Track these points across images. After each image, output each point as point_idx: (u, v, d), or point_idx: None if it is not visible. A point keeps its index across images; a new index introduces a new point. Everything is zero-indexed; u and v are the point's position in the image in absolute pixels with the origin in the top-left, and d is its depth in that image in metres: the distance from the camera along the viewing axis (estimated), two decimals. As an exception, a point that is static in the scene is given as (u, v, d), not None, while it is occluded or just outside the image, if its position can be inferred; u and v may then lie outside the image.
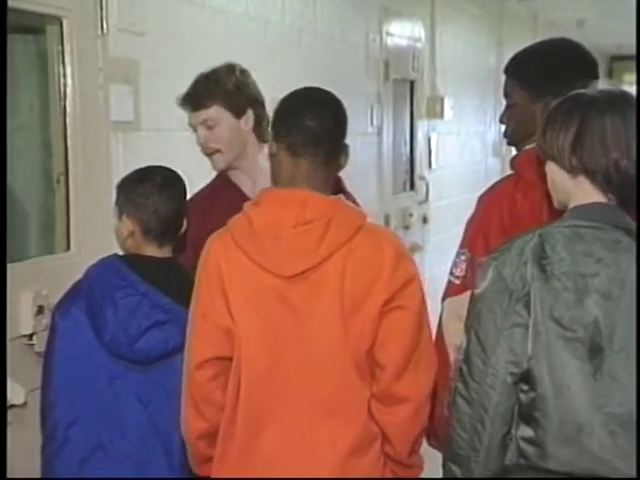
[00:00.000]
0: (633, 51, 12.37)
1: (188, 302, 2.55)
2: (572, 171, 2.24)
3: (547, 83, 2.68)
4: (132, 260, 2.71)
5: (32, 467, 2.97)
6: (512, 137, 2.88)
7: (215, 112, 3.13)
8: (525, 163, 2.63)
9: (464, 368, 2.19)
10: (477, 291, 2.22)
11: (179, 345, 2.57)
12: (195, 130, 3.17)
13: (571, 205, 2.25)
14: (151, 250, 2.72)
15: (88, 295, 2.67)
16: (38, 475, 2.79)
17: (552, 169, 2.30)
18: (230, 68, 3.20)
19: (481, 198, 2.81)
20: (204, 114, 3.14)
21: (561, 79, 2.58)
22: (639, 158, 2.20)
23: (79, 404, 2.65)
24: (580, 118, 2.23)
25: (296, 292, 2.37)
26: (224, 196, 3.15)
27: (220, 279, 2.40)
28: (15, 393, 2.95)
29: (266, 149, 3.28)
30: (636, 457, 2.12)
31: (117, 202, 2.79)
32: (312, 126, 2.43)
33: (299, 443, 2.38)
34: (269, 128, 2.57)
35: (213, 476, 2.46)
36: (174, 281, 2.68)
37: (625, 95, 2.31)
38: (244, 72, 3.23)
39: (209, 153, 3.19)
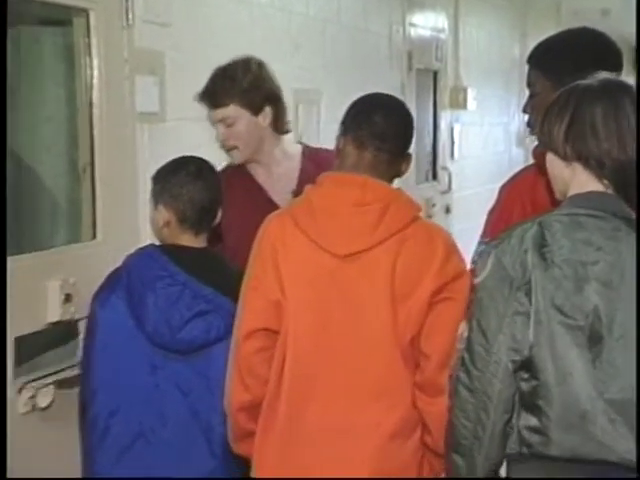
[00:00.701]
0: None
1: (229, 292, 2.59)
2: (567, 159, 2.25)
3: (570, 73, 2.67)
4: (170, 250, 2.73)
5: (65, 454, 3.03)
6: (535, 126, 2.88)
7: (233, 111, 3.17)
8: (542, 153, 2.63)
9: (466, 356, 2.20)
10: (477, 280, 2.23)
11: (221, 335, 2.60)
12: (213, 125, 3.22)
13: (569, 194, 2.27)
14: (187, 239, 2.74)
15: (127, 285, 2.70)
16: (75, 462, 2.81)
17: (550, 159, 2.32)
18: (246, 63, 3.23)
19: (502, 188, 2.82)
20: (222, 112, 3.18)
21: (583, 69, 2.58)
22: (639, 148, 2.20)
23: (120, 393, 2.68)
24: (573, 107, 2.25)
25: (348, 272, 2.41)
26: (238, 184, 3.18)
27: (274, 255, 2.45)
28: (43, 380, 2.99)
29: (283, 140, 3.32)
30: (636, 454, 2.14)
31: (153, 192, 2.82)
32: (380, 122, 2.50)
33: (343, 423, 2.41)
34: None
35: (255, 451, 2.48)
36: (214, 271, 2.71)
37: (621, 84, 2.31)
38: (261, 66, 3.25)
39: (228, 149, 3.23)
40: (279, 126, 3.27)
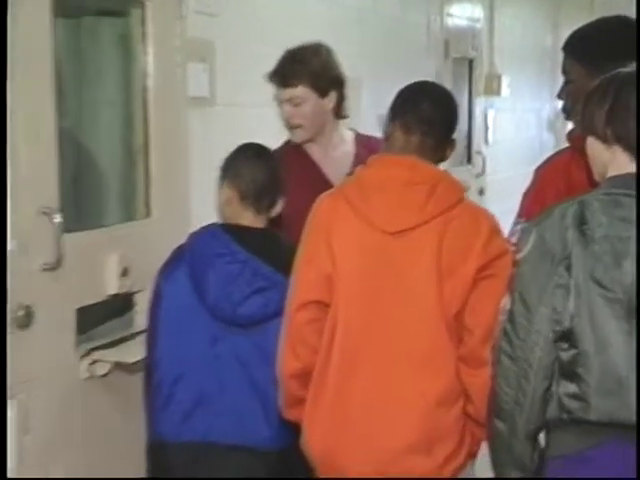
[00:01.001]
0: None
1: (286, 270, 2.58)
2: (607, 142, 2.24)
3: (604, 60, 2.64)
4: (232, 229, 2.72)
5: (122, 417, 3.07)
6: (569, 112, 2.86)
7: (301, 92, 3.16)
8: (580, 137, 2.57)
9: (508, 327, 2.19)
10: (520, 255, 2.22)
11: (278, 310, 2.59)
12: (280, 104, 3.20)
13: (608, 175, 2.25)
14: (248, 217, 2.73)
15: (190, 261, 2.70)
16: (136, 423, 2.84)
17: (591, 142, 2.31)
18: (317, 48, 3.23)
19: (538, 170, 2.80)
20: (291, 92, 3.17)
21: (617, 56, 2.55)
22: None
23: (183, 362, 2.68)
24: (614, 93, 2.24)
25: (397, 248, 2.41)
26: (295, 162, 3.18)
27: (327, 231, 2.45)
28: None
29: (340, 125, 3.31)
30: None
31: (220, 174, 2.83)
32: (427, 109, 2.50)
33: (390, 391, 2.40)
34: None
35: (305, 417, 2.48)
36: (272, 250, 2.70)
37: None
38: (329, 52, 3.26)
39: (292, 127, 3.22)
40: (340, 111, 3.27)
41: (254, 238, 2.72)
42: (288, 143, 3.30)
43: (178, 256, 2.77)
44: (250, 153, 2.81)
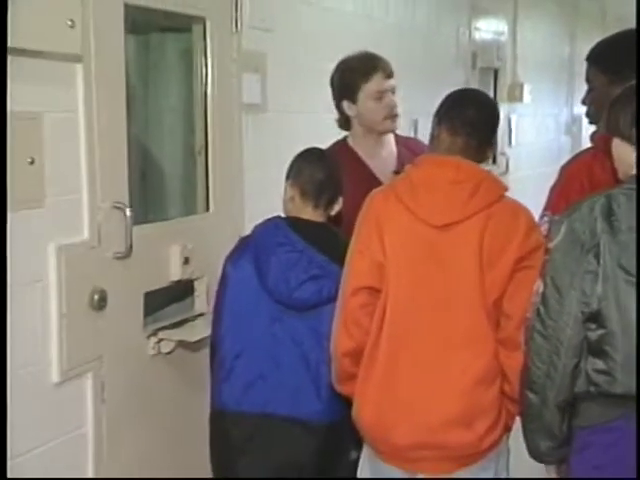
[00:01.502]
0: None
1: (339, 261, 2.59)
2: (632, 142, 2.24)
3: (624, 69, 2.63)
4: (292, 221, 2.73)
5: (185, 389, 3.10)
6: (593, 116, 2.85)
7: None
8: (603, 139, 2.57)
9: (541, 309, 2.20)
10: (552, 244, 2.22)
11: (331, 296, 2.59)
12: (379, 97, 3.16)
13: (632, 174, 2.26)
14: (307, 212, 2.74)
15: (254, 249, 2.70)
16: (197, 394, 2.86)
17: (617, 144, 2.30)
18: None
19: (563, 168, 2.79)
20: (393, 82, 3.17)
21: (634, 65, 2.54)
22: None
23: (244, 340, 2.69)
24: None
25: (442, 241, 2.40)
26: (345, 160, 3.10)
27: (379, 224, 2.45)
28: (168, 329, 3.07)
29: None
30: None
31: (286, 174, 2.84)
32: (471, 113, 2.49)
33: (433, 369, 2.40)
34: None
35: (357, 392, 2.48)
36: (328, 242, 2.70)
37: None
38: None
39: (394, 116, 3.20)
40: None
41: (312, 230, 2.72)
42: (337, 143, 3.27)
43: (244, 245, 2.78)
44: (311, 156, 2.81)
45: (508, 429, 2.48)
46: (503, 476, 2.50)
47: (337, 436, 2.69)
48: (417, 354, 2.41)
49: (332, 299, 2.58)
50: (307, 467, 2.68)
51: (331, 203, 2.78)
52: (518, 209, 2.46)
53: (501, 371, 2.41)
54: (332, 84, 3.28)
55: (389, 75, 3.18)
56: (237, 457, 2.71)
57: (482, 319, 2.39)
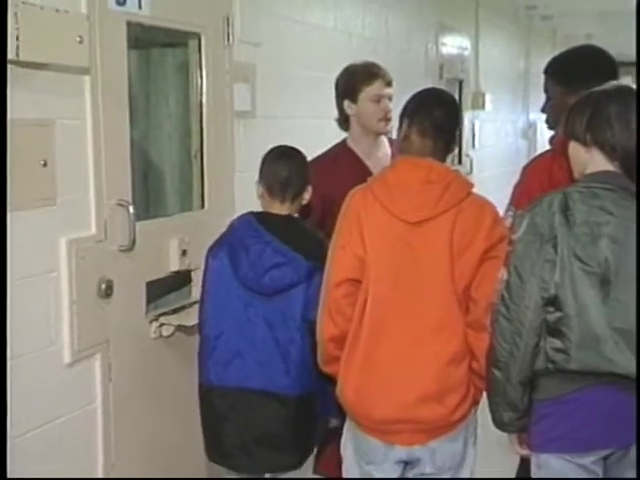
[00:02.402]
0: (631, 59, 12.06)
1: (301, 249, 2.61)
2: (586, 145, 2.25)
3: (576, 81, 2.64)
4: (261, 216, 2.74)
5: (182, 370, 3.10)
6: (551, 123, 2.86)
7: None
8: (561, 142, 2.57)
9: (505, 294, 2.20)
10: (515, 236, 2.23)
11: (294, 282, 2.62)
12: (377, 101, 3.17)
13: (586, 172, 2.26)
14: (276, 207, 2.74)
15: (230, 242, 2.72)
16: (193, 373, 2.86)
17: (573, 146, 2.31)
18: None
19: (525, 167, 2.79)
20: (391, 90, 3.19)
21: (588, 77, 2.55)
22: (639, 143, 2.20)
23: (223, 323, 2.70)
24: (593, 105, 2.25)
25: (416, 235, 2.39)
26: (345, 159, 3.15)
27: (358, 221, 2.43)
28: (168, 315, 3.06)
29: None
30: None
31: (259, 173, 2.84)
32: (440, 116, 2.49)
33: (410, 352, 2.39)
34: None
35: (341, 372, 2.48)
36: (291, 232, 2.71)
37: (631, 89, 2.31)
38: None
39: (387, 120, 3.20)
40: None
41: (277, 223, 2.73)
42: (338, 144, 3.27)
43: (221, 239, 2.79)
44: (274, 155, 2.80)
45: (476, 403, 2.49)
46: (471, 443, 2.51)
47: (307, 407, 2.72)
48: (395, 339, 2.41)
49: (294, 284, 2.62)
50: (283, 434, 2.71)
51: (298, 195, 2.78)
52: (484, 205, 2.46)
53: (470, 351, 2.41)
54: (337, 85, 3.28)
55: (388, 83, 3.20)
56: (222, 424, 2.74)
57: (453, 306, 2.39)
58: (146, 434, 3.01)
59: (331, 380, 2.57)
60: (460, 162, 6.78)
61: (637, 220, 2.15)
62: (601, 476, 2.23)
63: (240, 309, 2.70)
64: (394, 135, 3.22)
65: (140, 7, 2.86)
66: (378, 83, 3.17)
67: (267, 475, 2.83)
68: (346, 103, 3.22)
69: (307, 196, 2.80)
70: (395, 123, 2.69)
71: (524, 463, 2.54)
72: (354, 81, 3.20)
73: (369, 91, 3.17)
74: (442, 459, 2.45)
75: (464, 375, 2.42)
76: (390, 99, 3.20)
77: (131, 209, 2.82)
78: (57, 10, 2.44)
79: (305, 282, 2.66)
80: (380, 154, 3.24)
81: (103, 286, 2.74)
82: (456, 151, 6.76)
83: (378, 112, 3.18)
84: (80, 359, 2.69)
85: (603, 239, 2.15)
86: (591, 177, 2.24)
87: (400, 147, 2.57)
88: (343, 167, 3.01)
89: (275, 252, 2.66)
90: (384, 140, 3.29)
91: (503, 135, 8.27)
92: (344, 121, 3.27)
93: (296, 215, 2.81)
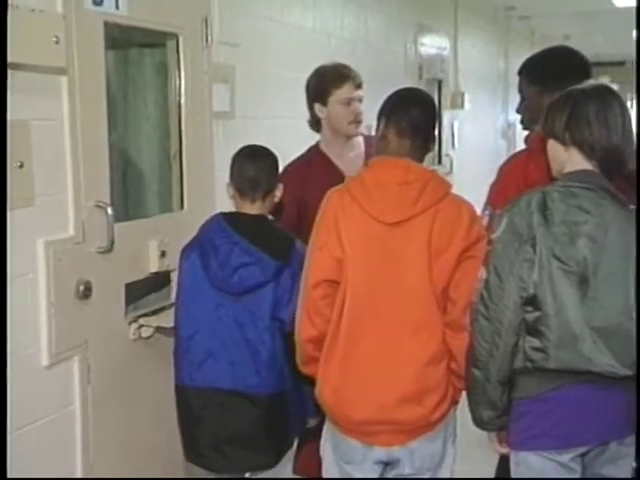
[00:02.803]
0: (608, 59, 12.15)
1: (269, 249, 2.61)
2: (565, 144, 2.25)
3: (550, 81, 2.65)
4: (230, 216, 2.74)
5: (161, 371, 3.07)
6: (526, 123, 2.87)
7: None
8: (536, 141, 2.60)
9: (484, 294, 2.20)
10: (494, 235, 2.23)
11: (261, 281, 2.62)
12: (348, 103, 3.15)
13: (565, 171, 2.27)
14: (246, 207, 2.74)
15: (200, 243, 2.72)
16: (168, 374, 2.86)
17: (551, 144, 2.31)
18: None
19: (502, 167, 2.80)
20: (362, 92, 3.17)
21: (561, 77, 2.56)
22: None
23: (195, 323, 2.71)
24: (572, 104, 2.25)
25: (394, 236, 2.38)
26: (318, 162, 3.15)
27: (336, 222, 2.41)
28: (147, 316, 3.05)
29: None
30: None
31: (229, 174, 2.84)
32: (417, 115, 2.47)
33: (388, 353, 2.38)
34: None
35: (319, 372, 2.47)
36: (260, 232, 2.71)
37: (609, 88, 2.31)
38: None
39: (358, 122, 3.19)
40: None
41: (246, 223, 2.72)
42: (311, 148, 3.27)
43: (193, 240, 2.79)
44: (244, 155, 2.80)
45: (455, 402, 2.49)
46: (450, 443, 2.52)
47: (278, 406, 2.72)
48: (373, 340, 2.40)
49: (262, 284, 2.62)
50: (255, 433, 2.71)
51: (268, 194, 2.78)
52: (461, 205, 2.45)
53: (448, 351, 2.41)
54: (307, 87, 3.27)
55: (358, 86, 3.19)
56: (196, 425, 2.75)
57: (432, 306, 2.38)
58: (125, 435, 3.00)
59: (309, 380, 2.57)
60: (440, 162, 6.81)
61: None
62: (579, 472, 2.24)
63: (211, 309, 2.70)
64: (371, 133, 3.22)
65: (117, 7, 2.85)
66: (348, 86, 3.16)
67: (247, 474, 2.82)
68: (317, 106, 3.21)
69: (278, 194, 2.81)
70: (372, 123, 2.68)
71: (503, 461, 2.55)
72: (324, 84, 3.19)
73: (339, 94, 3.16)
74: (421, 459, 2.45)
75: (443, 375, 2.41)
76: (360, 101, 3.19)
77: (109, 210, 2.81)
78: (32, 10, 2.42)
79: (273, 281, 2.65)
80: (353, 155, 3.24)
81: (81, 288, 2.73)
82: (436, 151, 6.81)
83: (348, 115, 3.17)
84: (58, 361, 2.67)
85: (581, 238, 2.15)
86: (569, 176, 2.24)
87: (377, 147, 2.56)
88: (316, 171, 3.01)
89: (243, 252, 2.66)
90: (357, 140, 3.29)
91: (483, 135, 8.31)
92: (315, 123, 3.27)
93: (268, 215, 2.81)
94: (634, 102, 14.97)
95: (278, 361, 2.67)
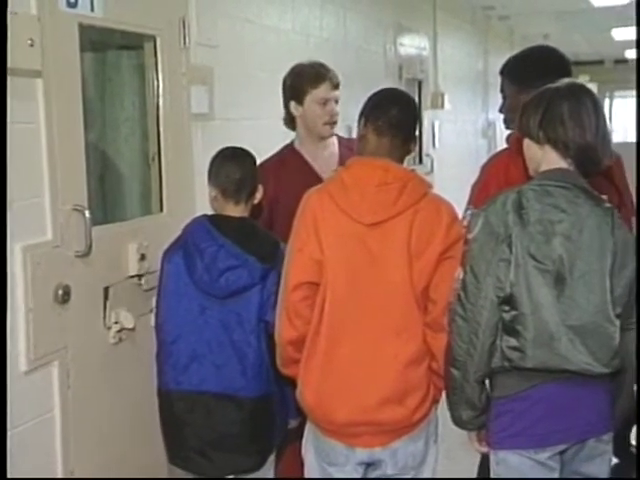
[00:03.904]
0: (587, 58, 12.24)
1: (254, 251, 2.60)
2: (540, 142, 2.26)
3: (531, 79, 2.66)
4: (215, 219, 2.74)
5: (141, 376, 3.05)
6: (508, 122, 2.88)
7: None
8: (516, 140, 2.59)
9: (461, 294, 2.21)
10: (470, 235, 2.23)
11: (247, 284, 2.62)
12: (324, 103, 3.14)
13: (540, 170, 2.28)
14: (229, 209, 2.75)
15: (184, 245, 2.71)
16: (153, 378, 2.85)
17: (527, 143, 2.32)
18: None
19: (484, 166, 2.81)
20: (338, 93, 3.16)
21: (542, 76, 2.56)
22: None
23: (179, 327, 2.70)
24: (546, 103, 2.26)
25: (373, 237, 2.37)
26: (292, 161, 3.14)
27: (315, 223, 2.40)
28: (126, 318, 2.99)
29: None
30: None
31: (208, 176, 2.83)
32: (396, 114, 2.45)
33: (369, 354, 2.38)
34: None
35: (300, 374, 2.47)
36: (245, 235, 2.70)
37: (583, 86, 2.33)
38: None
39: (333, 123, 3.17)
40: None
41: (231, 226, 2.72)
42: (286, 147, 3.26)
43: (176, 242, 2.78)
44: (225, 156, 2.79)
45: (436, 401, 2.49)
46: (432, 442, 2.52)
47: (265, 408, 2.72)
48: (354, 341, 2.39)
49: (249, 286, 2.62)
50: (241, 436, 2.71)
51: (251, 195, 2.78)
52: (441, 205, 2.45)
53: (429, 351, 2.40)
54: (284, 85, 3.25)
55: (336, 86, 3.18)
56: (182, 427, 2.74)
57: (412, 307, 2.38)
58: (106, 440, 2.97)
59: (289, 381, 2.56)
60: (421, 162, 6.82)
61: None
62: (558, 470, 2.25)
63: (196, 312, 2.69)
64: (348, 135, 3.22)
65: (92, 9, 2.82)
66: (325, 86, 3.15)
67: (230, 476, 2.81)
68: (292, 104, 3.21)
69: (258, 196, 2.81)
70: (353, 124, 2.68)
71: (485, 460, 2.55)
72: (301, 82, 3.17)
73: (316, 94, 3.14)
74: (404, 459, 2.45)
75: (424, 375, 2.41)
76: (337, 102, 3.18)
77: (87, 214, 2.78)
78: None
79: (260, 284, 2.66)
80: (327, 155, 3.23)
81: (60, 292, 2.70)
82: (416, 150, 6.81)
83: (324, 115, 3.16)
84: (37, 367, 2.64)
85: (557, 237, 2.16)
86: (545, 175, 2.25)
87: (357, 147, 2.55)
88: (290, 170, 3.00)
89: (229, 255, 2.66)
90: (332, 140, 3.28)
91: (463, 135, 8.33)
92: (290, 121, 3.26)
93: (247, 216, 2.81)
94: (612, 101, 15.06)
95: (265, 363, 2.67)
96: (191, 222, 2.78)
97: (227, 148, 2.84)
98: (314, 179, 3.01)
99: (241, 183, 2.74)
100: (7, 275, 2.31)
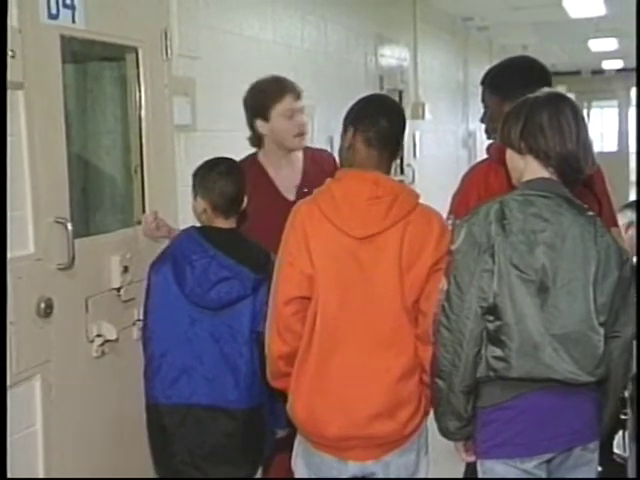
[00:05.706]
0: (565, 69, 12.33)
1: (247, 262, 2.61)
2: (521, 152, 2.27)
3: (512, 90, 2.66)
4: (205, 230, 2.73)
5: (125, 389, 3.03)
6: (489, 132, 2.89)
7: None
8: (496, 150, 2.61)
9: (445, 305, 2.20)
10: (453, 246, 2.23)
11: (240, 295, 2.62)
12: (290, 116, 3.11)
13: (523, 180, 2.28)
14: (219, 222, 2.74)
15: (173, 257, 2.69)
16: (136, 391, 2.82)
17: (509, 154, 2.33)
18: None
19: (464, 176, 2.82)
20: (302, 103, 3.13)
21: (522, 86, 2.57)
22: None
23: (168, 340, 2.68)
24: (526, 113, 2.27)
25: (364, 251, 2.35)
26: (253, 173, 3.09)
27: (305, 236, 2.37)
28: (109, 331, 2.96)
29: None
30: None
31: (193, 186, 2.81)
32: (387, 126, 2.43)
33: (361, 368, 2.36)
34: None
35: (291, 388, 2.44)
36: (236, 246, 2.69)
37: (562, 95, 2.35)
38: None
39: (302, 134, 3.14)
40: None
41: (222, 237, 2.71)
42: (248, 157, 3.23)
43: (164, 254, 2.77)
44: (220, 172, 2.77)
45: (427, 413, 2.47)
46: (423, 454, 2.51)
47: (256, 419, 2.71)
48: (345, 355, 2.38)
49: (241, 298, 2.62)
50: (232, 447, 2.70)
51: (239, 207, 2.79)
52: (431, 216, 2.43)
53: (420, 364, 2.39)
54: (245, 105, 3.23)
55: (298, 96, 3.15)
56: (171, 441, 2.72)
57: (403, 320, 2.37)
58: (89, 454, 2.93)
59: (278, 392, 2.55)
60: (402, 172, 6.82)
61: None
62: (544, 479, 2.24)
63: (186, 325, 2.67)
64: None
65: (74, 21, 2.81)
66: (288, 98, 3.12)
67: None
68: (258, 122, 3.17)
69: (244, 205, 2.81)
70: (334, 134, 2.67)
71: (469, 469, 2.54)
72: (264, 98, 3.15)
73: (280, 107, 3.11)
74: (396, 472, 2.44)
75: (415, 389, 2.41)
76: (302, 112, 3.16)
77: (69, 226, 2.75)
78: (-13, 24, 2.37)
79: (252, 295, 2.65)
80: (290, 169, 3.20)
81: (42, 305, 2.67)
82: (398, 161, 6.81)
83: (292, 128, 3.13)
84: (19, 381, 2.60)
85: (539, 246, 2.16)
86: (527, 185, 2.25)
87: (345, 156, 2.51)
88: (249, 181, 2.96)
89: (221, 266, 2.64)
90: (297, 155, 3.24)
91: (444, 144, 8.35)
92: (257, 140, 3.23)
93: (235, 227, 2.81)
94: (590, 111, 15.17)
95: (256, 374, 2.65)
96: (179, 234, 2.76)
97: (218, 162, 2.81)
98: (273, 194, 3.01)
99: (235, 199, 2.74)
100: (6, 276, 2.28)
